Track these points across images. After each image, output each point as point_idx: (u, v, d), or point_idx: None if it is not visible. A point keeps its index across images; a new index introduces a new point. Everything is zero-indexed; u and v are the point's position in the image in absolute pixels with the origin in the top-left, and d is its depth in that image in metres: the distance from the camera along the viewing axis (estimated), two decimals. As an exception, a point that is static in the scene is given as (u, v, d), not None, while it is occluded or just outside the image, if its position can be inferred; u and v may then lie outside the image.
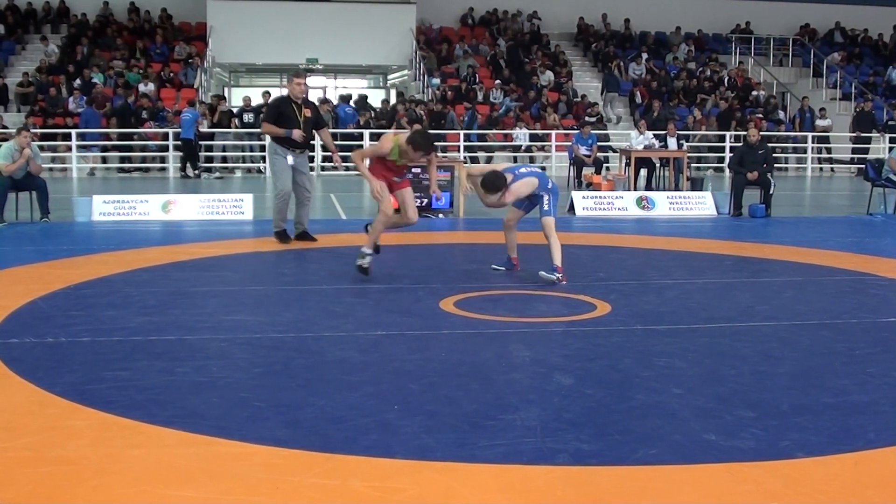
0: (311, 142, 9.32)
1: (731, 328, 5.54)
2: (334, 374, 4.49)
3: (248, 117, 20.29)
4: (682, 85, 24.18)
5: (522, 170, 7.24)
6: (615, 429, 3.69)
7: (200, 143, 19.18)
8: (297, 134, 8.77)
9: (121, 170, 19.77)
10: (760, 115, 22.76)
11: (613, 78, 24.02)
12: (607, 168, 17.80)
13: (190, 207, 11.59)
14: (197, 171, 18.59)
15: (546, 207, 7.08)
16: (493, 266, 7.48)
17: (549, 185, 7.15)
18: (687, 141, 19.35)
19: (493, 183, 6.90)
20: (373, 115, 21.59)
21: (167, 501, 3.01)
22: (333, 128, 21.05)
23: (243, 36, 23.20)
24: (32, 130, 13.55)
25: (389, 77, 27.79)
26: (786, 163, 22.58)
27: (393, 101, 24.79)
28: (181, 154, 18.73)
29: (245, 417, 3.81)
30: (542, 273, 6.94)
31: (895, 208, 12.58)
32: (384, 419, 3.81)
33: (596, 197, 12.65)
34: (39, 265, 7.77)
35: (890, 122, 22.71)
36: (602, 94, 23.90)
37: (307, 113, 8.96)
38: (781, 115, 24.01)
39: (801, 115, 23.17)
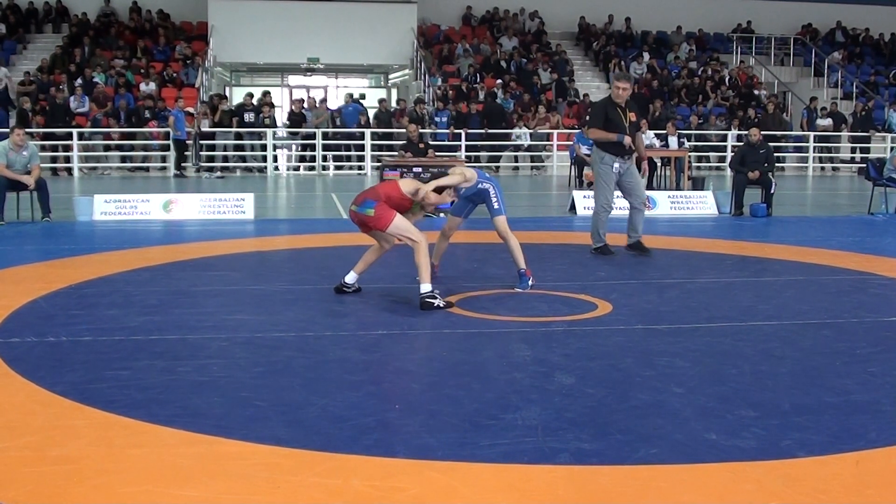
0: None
1: (732, 327, 5.54)
2: (336, 374, 4.49)
3: (248, 117, 20.29)
4: (683, 84, 24.17)
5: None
6: (616, 428, 3.69)
7: (202, 142, 19.18)
8: (627, 140, 8.38)
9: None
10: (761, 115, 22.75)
11: (562, 83, 23.38)
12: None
13: (191, 207, 11.60)
14: (180, 171, 18.53)
15: (496, 206, 6.60)
16: (517, 288, 6.65)
17: (488, 176, 6.74)
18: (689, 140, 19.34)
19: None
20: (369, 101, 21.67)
21: (168, 501, 3.01)
22: (335, 127, 21.08)
23: (244, 35, 23.24)
24: (36, 130, 13.57)
25: (390, 76, 27.81)
26: (786, 161, 22.56)
27: (394, 100, 24.78)
28: (175, 154, 18.77)
29: (246, 417, 3.81)
30: (517, 288, 6.60)
31: (896, 208, 12.59)
32: (385, 418, 3.81)
33: (597, 196, 12.63)
34: (40, 264, 7.78)
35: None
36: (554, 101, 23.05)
37: (632, 117, 8.56)
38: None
39: (807, 114, 23.13)
